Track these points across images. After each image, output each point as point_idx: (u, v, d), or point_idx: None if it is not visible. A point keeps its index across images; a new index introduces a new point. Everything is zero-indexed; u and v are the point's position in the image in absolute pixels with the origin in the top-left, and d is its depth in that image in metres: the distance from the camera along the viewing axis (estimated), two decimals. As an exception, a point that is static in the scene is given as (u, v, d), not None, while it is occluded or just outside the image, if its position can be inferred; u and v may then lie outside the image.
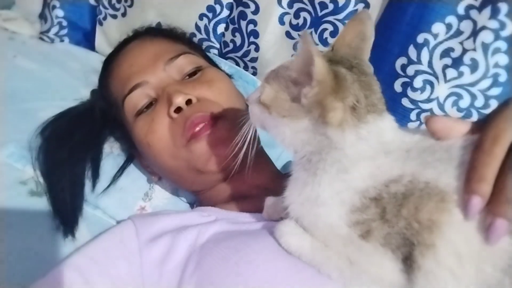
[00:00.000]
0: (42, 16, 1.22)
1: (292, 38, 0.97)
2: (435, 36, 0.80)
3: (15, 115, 0.84)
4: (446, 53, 0.80)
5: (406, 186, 0.36)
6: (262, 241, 0.48)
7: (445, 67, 0.80)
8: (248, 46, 1.01)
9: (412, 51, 0.82)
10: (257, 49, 1.00)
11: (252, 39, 1.00)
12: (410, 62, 0.82)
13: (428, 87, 0.82)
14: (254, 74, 1.04)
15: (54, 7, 1.18)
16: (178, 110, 0.61)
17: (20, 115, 0.84)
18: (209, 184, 0.66)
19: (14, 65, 1.01)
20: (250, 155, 0.49)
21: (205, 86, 0.65)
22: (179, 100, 0.60)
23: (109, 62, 0.74)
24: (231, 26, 1.02)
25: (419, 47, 0.81)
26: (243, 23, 1.00)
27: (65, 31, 1.22)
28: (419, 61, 0.81)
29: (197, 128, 0.59)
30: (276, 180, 0.66)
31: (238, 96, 0.70)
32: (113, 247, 0.52)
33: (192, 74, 0.68)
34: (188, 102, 0.62)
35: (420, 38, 0.81)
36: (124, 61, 0.70)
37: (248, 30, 1.00)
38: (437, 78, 0.81)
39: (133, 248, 0.52)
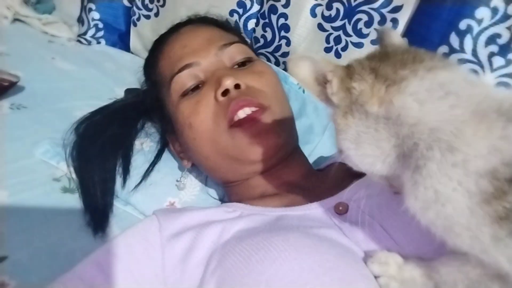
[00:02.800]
0: (80, 20, 1.25)
1: (324, 30, 0.94)
2: (479, 21, 0.74)
3: (51, 114, 0.86)
4: (492, 39, 0.74)
5: None
6: (285, 238, 0.45)
7: (491, 55, 0.75)
8: (279, 41, 0.99)
9: (454, 39, 0.76)
10: (288, 43, 0.98)
11: (283, 33, 0.98)
12: (452, 51, 0.77)
13: (472, 77, 0.76)
14: (286, 69, 1.01)
15: (90, 9, 1.21)
16: (225, 94, 0.61)
17: (56, 114, 0.86)
18: (242, 175, 0.64)
19: (52, 66, 1.04)
20: None
21: (255, 76, 0.65)
22: (228, 83, 0.60)
23: (161, 42, 0.75)
24: (261, 21, 1.00)
25: (461, 34, 0.76)
26: (273, 18, 0.98)
27: (101, 33, 1.25)
28: (462, 50, 0.76)
29: (242, 114, 0.59)
30: (308, 177, 0.65)
31: (284, 92, 0.70)
32: (136, 242, 0.51)
33: (241, 65, 0.68)
34: (237, 86, 0.61)
35: (463, 25, 0.75)
36: (177, 42, 0.71)
37: (279, 24, 0.98)
38: (482, 67, 0.76)
39: (156, 244, 0.51)
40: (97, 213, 0.67)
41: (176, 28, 0.76)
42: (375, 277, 0.42)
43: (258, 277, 0.42)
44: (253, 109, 0.60)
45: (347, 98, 0.36)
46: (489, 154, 0.29)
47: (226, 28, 0.77)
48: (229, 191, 0.71)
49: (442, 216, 0.31)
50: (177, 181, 0.76)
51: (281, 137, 0.61)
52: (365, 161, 0.37)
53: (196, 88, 0.65)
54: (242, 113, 0.60)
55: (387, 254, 0.43)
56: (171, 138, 0.75)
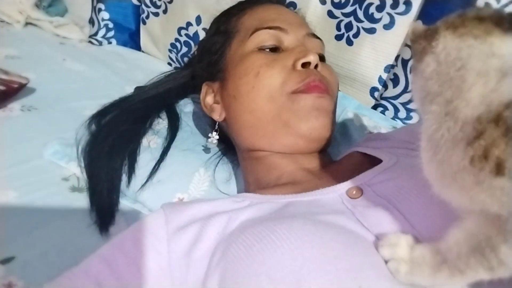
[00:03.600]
0: (90, 20, 1.26)
1: (334, 17, 0.91)
2: (498, -2, 0.70)
3: (62, 115, 0.86)
4: (513, 17, 0.70)
5: None
6: (289, 226, 0.43)
7: (513, 33, 0.70)
8: (288, 31, 0.96)
9: (471, 19, 0.72)
10: (298, 32, 0.95)
11: (292, 22, 0.95)
12: (470, 31, 0.73)
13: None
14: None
15: (100, 10, 1.21)
16: (304, 66, 0.63)
17: (66, 114, 0.87)
18: (274, 145, 0.64)
19: (63, 67, 1.05)
20: None
21: (329, 71, 0.69)
22: (314, 58, 0.63)
23: (252, 2, 0.77)
24: (270, 12, 0.98)
25: (479, 13, 0.71)
26: (282, 7, 0.95)
27: (112, 33, 1.26)
28: (480, 30, 0.72)
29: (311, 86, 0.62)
30: (325, 167, 0.64)
31: None
32: (142, 236, 0.50)
33: None
34: (316, 67, 0.64)
35: (480, 3, 0.71)
36: (273, 8, 0.74)
37: (288, 13, 0.95)
38: (503, 47, 0.71)
39: (161, 237, 0.49)
40: (103, 211, 0.66)
41: (271, 0, 0.79)
42: (386, 262, 0.39)
43: (259, 268, 0.40)
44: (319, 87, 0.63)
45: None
46: (480, 104, 0.30)
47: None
48: (246, 166, 0.70)
49: (435, 165, 0.33)
50: (202, 146, 0.79)
51: (331, 127, 0.64)
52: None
53: (273, 50, 0.67)
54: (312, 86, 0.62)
55: (399, 235, 0.41)
56: (209, 87, 0.74)
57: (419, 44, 0.38)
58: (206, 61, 0.75)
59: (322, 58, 0.70)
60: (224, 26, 0.74)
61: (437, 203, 0.36)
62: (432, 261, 0.36)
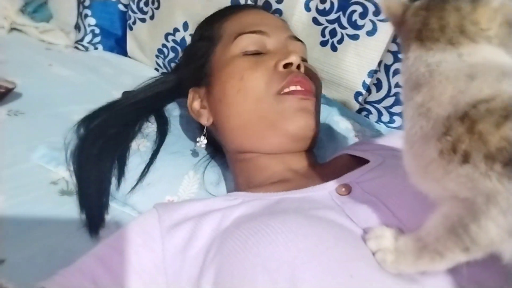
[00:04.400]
0: (76, 26, 1.26)
1: (319, 24, 0.93)
2: None
3: (49, 119, 0.87)
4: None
5: (505, 103, 0.31)
6: (282, 220, 0.45)
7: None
8: (274, 37, 0.98)
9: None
10: (284, 39, 0.97)
11: (278, 29, 0.97)
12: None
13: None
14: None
15: (86, 15, 1.22)
16: (286, 67, 0.65)
17: (53, 119, 0.87)
18: (262, 146, 0.65)
19: (49, 72, 1.05)
20: None
21: (311, 72, 0.71)
22: (295, 59, 0.64)
23: (234, 8, 0.80)
24: (256, 18, 1.00)
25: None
26: (268, 14, 0.97)
27: (98, 39, 1.26)
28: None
29: (295, 88, 0.63)
30: (313, 167, 0.66)
31: None
32: (135, 235, 0.51)
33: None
34: (298, 67, 0.66)
35: None
36: (254, 13, 0.76)
37: (274, 20, 0.97)
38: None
39: (155, 235, 0.50)
40: (93, 214, 0.66)
41: (252, 5, 0.81)
42: (374, 254, 0.41)
43: (254, 260, 0.41)
44: (303, 90, 0.64)
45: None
46: (448, 104, 0.33)
47: None
48: (235, 167, 0.71)
49: (411, 158, 0.36)
50: (191, 150, 0.80)
51: (317, 127, 0.65)
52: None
53: (256, 54, 0.68)
54: (294, 88, 0.63)
55: (383, 228, 0.43)
56: (195, 92, 0.75)
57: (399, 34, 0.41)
58: (192, 67, 0.76)
59: (304, 60, 0.72)
60: (207, 32, 0.75)
61: (421, 198, 0.38)
62: (414, 248, 0.38)
